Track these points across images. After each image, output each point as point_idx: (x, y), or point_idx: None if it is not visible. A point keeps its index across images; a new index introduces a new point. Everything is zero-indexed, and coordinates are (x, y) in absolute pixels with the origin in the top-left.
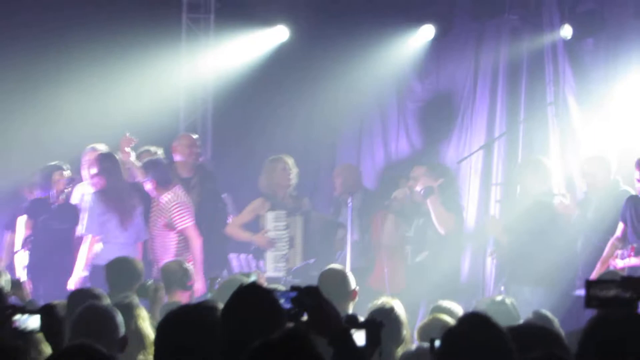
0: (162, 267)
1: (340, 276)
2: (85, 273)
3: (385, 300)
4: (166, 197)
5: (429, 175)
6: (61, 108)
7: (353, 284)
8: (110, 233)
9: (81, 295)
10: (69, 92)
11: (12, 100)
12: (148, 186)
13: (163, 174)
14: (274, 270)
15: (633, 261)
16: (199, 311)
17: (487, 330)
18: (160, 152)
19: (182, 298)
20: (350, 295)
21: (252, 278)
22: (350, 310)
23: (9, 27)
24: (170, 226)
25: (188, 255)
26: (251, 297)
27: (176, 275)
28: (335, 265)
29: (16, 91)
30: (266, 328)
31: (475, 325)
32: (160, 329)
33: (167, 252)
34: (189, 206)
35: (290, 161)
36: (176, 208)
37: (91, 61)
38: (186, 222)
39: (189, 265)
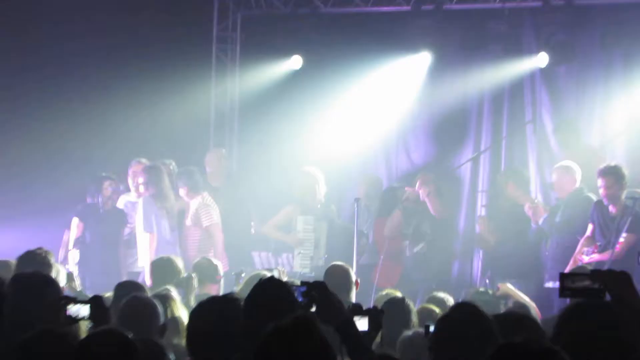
0: (195, 264)
1: (344, 270)
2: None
3: (390, 291)
4: (196, 201)
5: (429, 180)
6: (111, 124)
7: (354, 276)
8: (161, 233)
9: (126, 286)
10: (117, 110)
11: (72, 117)
12: (181, 192)
13: (193, 181)
14: (301, 267)
15: (596, 257)
16: (224, 302)
17: (476, 317)
18: (173, 164)
19: (211, 290)
20: (353, 285)
21: (274, 274)
22: (354, 298)
23: (72, 56)
24: (197, 224)
25: (210, 249)
26: (270, 288)
27: (208, 271)
28: (339, 262)
29: (78, 110)
30: (281, 316)
31: (466, 312)
32: (192, 317)
33: (193, 247)
34: (215, 208)
35: (319, 175)
36: (203, 209)
37: (137, 86)
38: (212, 220)
39: (219, 262)
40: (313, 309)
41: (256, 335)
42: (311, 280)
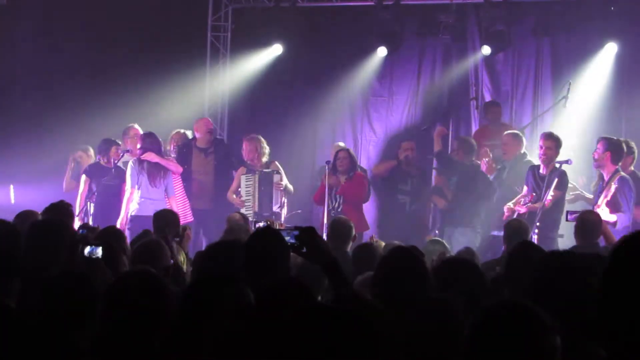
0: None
1: (348, 224)
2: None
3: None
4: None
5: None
6: (122, 103)
7: (354, 230)
8: (143, 190)
9: (107, 231)
10: (122, 85)
11: (82, 94)
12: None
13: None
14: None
15: (528, 206)
16: (226, 245)
17: (408, 257)
18: (189, 133)
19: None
20: (352, 237)
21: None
22: (349, 248)
23: (92, 43)
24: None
25: None
26: (267, 233)
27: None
28: (343, 216)
29: (87, 88)
30: (276, 255)
31: (398, 254)
32: (201, 257)
33: None
34: None
35: (261, 139)
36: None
37: (140, 69)
38: None
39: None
40: (304, 250)
41: (255, 270)
42: (303, 226)
